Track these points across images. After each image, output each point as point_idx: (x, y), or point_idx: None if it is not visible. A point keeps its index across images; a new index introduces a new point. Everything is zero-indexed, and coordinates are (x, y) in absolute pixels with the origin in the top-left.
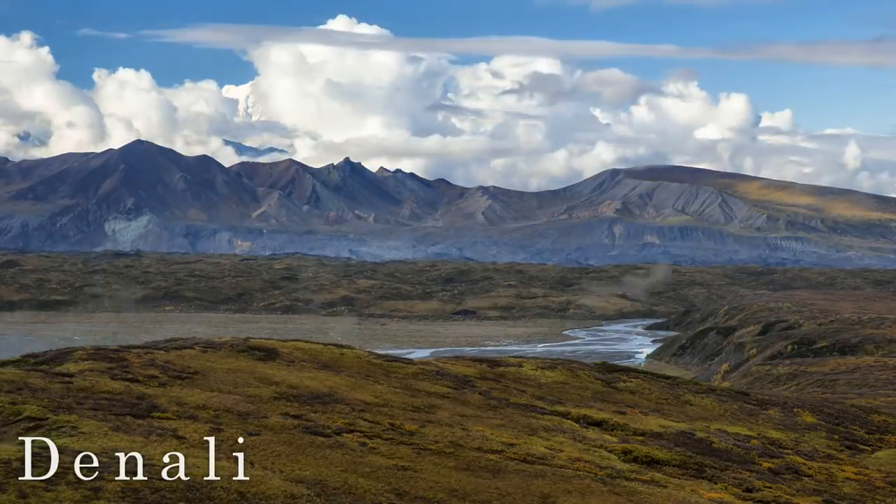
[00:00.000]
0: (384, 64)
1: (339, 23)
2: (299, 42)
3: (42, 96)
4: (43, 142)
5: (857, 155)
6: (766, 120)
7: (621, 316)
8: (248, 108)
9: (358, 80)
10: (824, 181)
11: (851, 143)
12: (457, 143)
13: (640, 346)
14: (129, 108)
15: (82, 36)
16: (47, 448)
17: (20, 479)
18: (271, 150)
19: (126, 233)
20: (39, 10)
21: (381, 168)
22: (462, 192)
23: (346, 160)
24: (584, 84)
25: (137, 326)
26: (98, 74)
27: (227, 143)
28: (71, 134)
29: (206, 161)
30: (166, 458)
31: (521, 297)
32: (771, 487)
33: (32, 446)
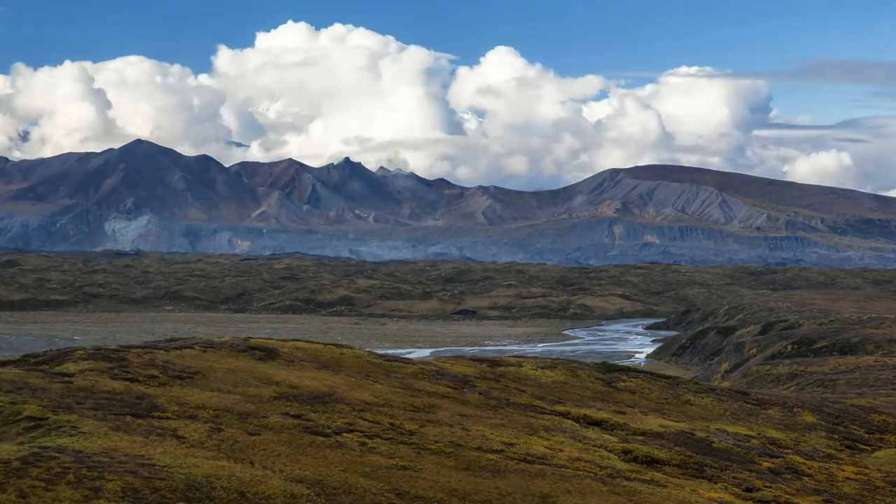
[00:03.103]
0: (383, 62)
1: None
2: (292, 39)
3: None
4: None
5: (856, 155)
6: (768, 120)
7: (621, 316)
8: (249, 106)
9: (358, 78)
10: (824, 181)
11: (850, 144)
12: (456, 143)
13: (640, 346)
14: (130, 103)
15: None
16: (47, 448)
17: (20, 478)
18: (271, 149)
19: (126, 232)
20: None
21: (381, 168)
22: (462, 192)
23: (347, 160)
24: (579, 86)
25: (137, 326)
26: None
27: (227, 142)
28: (70, 130)
29: (206, 161)
30: (166, 458)
31: (521, 297)
32: (771, 487)
33: (32, 446)
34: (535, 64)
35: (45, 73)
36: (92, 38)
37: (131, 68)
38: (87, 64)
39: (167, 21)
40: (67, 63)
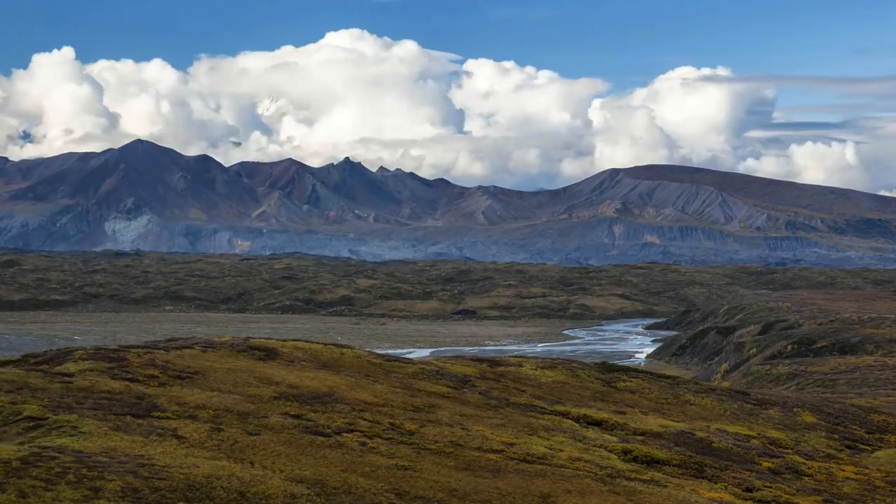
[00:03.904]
0: (383, 62)
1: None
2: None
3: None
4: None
5: (858, 154)
6: (768, 120)
7: (621, 316)
8: (249, 106)
9: (359, 78)
10: (824, 181)
11: (850, 144)
12: (456, 143)
13: (640, 346)
14: (129, 103)
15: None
16: (47, 448)
17: (20, 478)
18: (271, 149)
19: (126, 232)
20: None
21: (381, 168)
22: (462, 192)
23: (346, 160)
24: (580, 86)
25: (137, 326)
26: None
27: (227, 142)
28: (69, 129)
29: (206, 161)
30: (166, 458)
31: (521, 296)
32: (771, 487)
33: (32, 446)
34: (536, 65)
35: (45, 73)
36: (84, 38)
37: (129, 69)
38: (90, 65)
39: (160, 24)
40: (67, 62)
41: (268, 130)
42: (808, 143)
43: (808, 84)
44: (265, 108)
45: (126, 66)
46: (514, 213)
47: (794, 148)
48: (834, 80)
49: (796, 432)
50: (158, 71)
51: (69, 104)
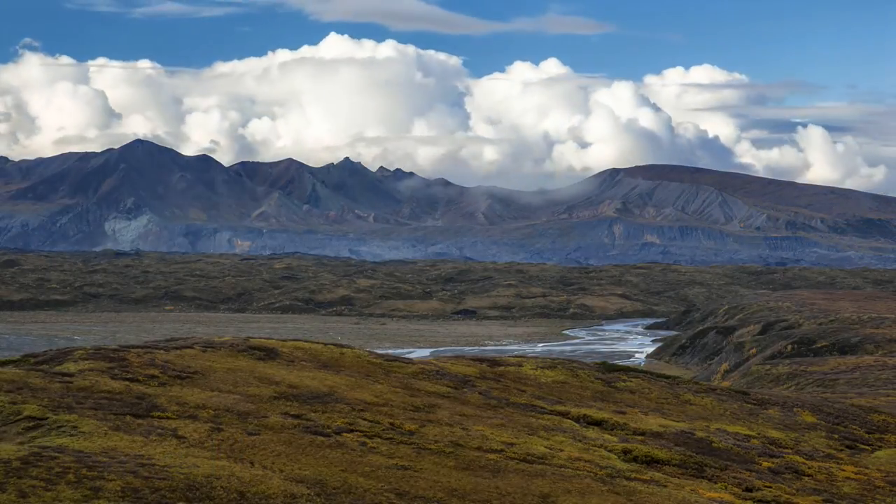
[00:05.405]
0: (383, 61)
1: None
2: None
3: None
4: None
5: (855, 154)
6: (768, 120)
7: (621, 316)
8: (249, 105)
9: (359, 77)
10: (824, 181)
11: (850, 143)
12: (457, 143)
13: (640, 346)
14: (129, 103)
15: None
16: (47, 448)
17: (20, 478)
18: (271, 148)
19: (126, 232)
20: None
21: (381, 168)
22: (462, 192)
23: (346, 160)
24: (580, 86)
25: (137, 326)
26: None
27: (227, 142)
28: (68, 129)
29: (206, 160)
30: (166, 458)
31: (521, 296)
32: (771, 487)
33: (32, 446)
34: (536, 64)
35: (44, 72)
36: (83, 38)
37: (128, 69)
38: (88, 64)
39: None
40: (68, 61)
41: (268, 130)
42: (809, 144)
43: (808, 85)
44: (265, 109)
45: (125, 65)
46: (514, 212)
47: (794, 148)
48: (834, 80)
49: (796, 432)
50: (156, 70)
51: (67, 103)
